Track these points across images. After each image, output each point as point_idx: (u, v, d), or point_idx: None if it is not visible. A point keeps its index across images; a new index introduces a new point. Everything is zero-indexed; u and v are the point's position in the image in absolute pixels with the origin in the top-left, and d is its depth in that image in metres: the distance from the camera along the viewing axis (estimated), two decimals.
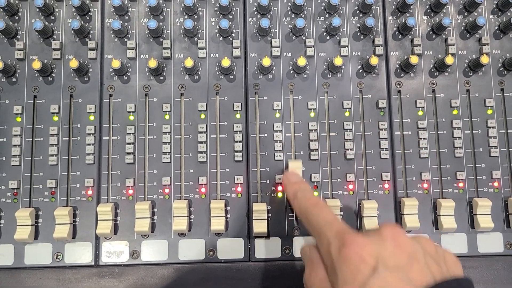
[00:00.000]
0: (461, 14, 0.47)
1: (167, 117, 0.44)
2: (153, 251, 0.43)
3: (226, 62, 0.44)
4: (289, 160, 0.43)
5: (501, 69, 0.46)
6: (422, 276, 0.29)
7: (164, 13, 0.46)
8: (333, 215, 0.34)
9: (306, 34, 0.46)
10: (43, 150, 0.43)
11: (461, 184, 0.44)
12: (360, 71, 0.46)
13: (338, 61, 0.44)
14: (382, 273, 0.29)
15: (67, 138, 0.44)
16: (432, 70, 0.46)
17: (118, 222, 0.43)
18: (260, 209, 0.42)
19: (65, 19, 0.45)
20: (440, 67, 0.45)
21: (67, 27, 0.45)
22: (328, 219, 0.33)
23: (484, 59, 0.44)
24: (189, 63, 0.43)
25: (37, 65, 0.43)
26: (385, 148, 0.44)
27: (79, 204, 0.43)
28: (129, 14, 0.46)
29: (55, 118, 0.44)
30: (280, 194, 0.44)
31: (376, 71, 0.46)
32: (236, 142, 0.44)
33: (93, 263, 0.43)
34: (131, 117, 0.44)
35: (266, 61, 0.44)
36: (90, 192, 0.43)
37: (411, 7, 0.47)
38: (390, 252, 0.30)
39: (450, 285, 0.28)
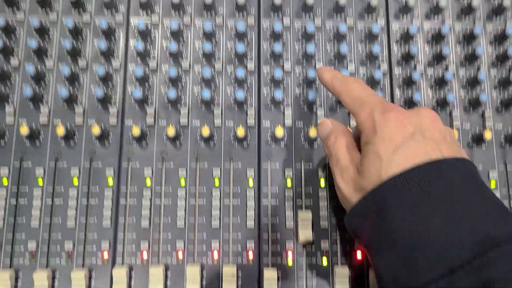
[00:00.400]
0: (465, 88, 0.50)
1: (182, 182, 0.46)
2: None
3: (240, 132, 0.46)
4: (299, 211, 0.45)
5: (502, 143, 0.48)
6: (450, 152, 0.33)
7: (183, 82, 0.48)
8: (373, 91, 0.38)
9: (317, 105, 0.48)
10: (62, 212, 0.45)
11: None
12: None
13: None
14: (419, 139, 0.33)
15: (86, 201, 0.45)
16: None
17: (132, 285, 0.44)
18: (271, 277, 0.43)
19: (89, 85, 0.48)
20: None
21: (90, 94, 0.47)
22: (372, 92, 0.38)
23: (487, 135, 0.46)
24: (205, 131, 0.45)
25: (61, 131, 0.45)
26: None
27: (95, 267, 0.44)
28: (150, 82, 0.48)
29: (75, 182, 0.46)
30: (290, 262, 0.45)
31: None
32: (249, 208, 0.46)
33: None
34: (148, 182, 0.46)
35: (279, 131, 0.46)
36: (105, 255, 0.44)
37: (416, 83, 0.49)
38: (427, 126, 0.34)
39: (468, 162, 0.34)
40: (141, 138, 0.47)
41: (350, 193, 0.36)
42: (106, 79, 0.47)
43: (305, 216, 0.44)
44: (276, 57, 0.49)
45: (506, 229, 0.30)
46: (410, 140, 0.33)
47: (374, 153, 0.34)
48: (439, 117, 0.36)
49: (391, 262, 0.32)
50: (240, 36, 0.49)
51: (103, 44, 0.46)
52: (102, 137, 0.46)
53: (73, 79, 0.47)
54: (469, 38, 0.50)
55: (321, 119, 0.41)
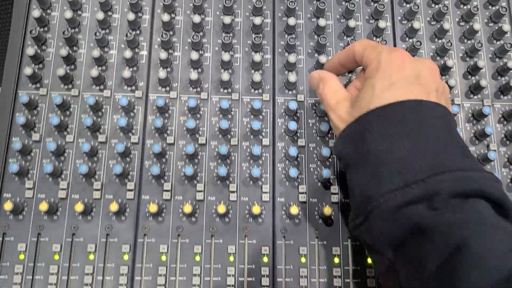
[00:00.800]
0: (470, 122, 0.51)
1: (197, 258, 0.46)
2: None
3: (256, 209, 0.46)
4: None
5: None
6: (439, 100, 0.39)
7: (199, 158, 0.49)
8: None
9: (331, 182, 0.49)
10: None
11: None
12: None
13: None
14: (413, 82, 0.39)
15: (101, 277, 0.45)
16: None
17: None
18: None
19: (107, 160, 0.49)
20: None
21: (108, 168, 0.48)
22: (379, 44, 0.43)
23: None
24: (221, 209, 0.46)
25: (79, 207, 0.46)
26: None
27: None
28: (167, 157, 0.49)
29: (91, 257, 0.46)
30: None
31: None
32: (263, 286, 0.46)
33: None
34: (163, 258, 0.46)
35: (294, 210, 0.47)
36: None
37: None
38: (424, 74, 0.40)
39: (449, 113, 0.40)
40: (158, 214, 0.47)
41: (343, 125, 0.41)
42: (124, 154, 0.48)
43: None
44: (291, 132, 0.50)
45: (462, 163, 0.36)
46: (405, 82, 0.38)
47: (371, 86, 0.39)
48: (438, 71, 0.42)
49: (362, 176, 0.38)
50: (256, 112, 0.50)
51: (123, 121, 0.48)
52: (119, 212, 0.47)
53: (92, 155, 0.48)
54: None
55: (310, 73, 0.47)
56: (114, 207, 0.46)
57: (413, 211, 0.34)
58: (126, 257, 0.46)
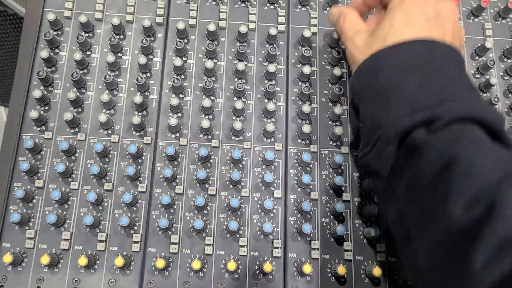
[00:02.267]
0: None
1: None
2: None
3: (267, 267, 0.45)
4: None
5: None
6: (454, 41, 0.42)
7: (209, 209, 0.48)
8: None
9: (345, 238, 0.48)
10: None
11: None
12: None
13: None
14: (431, 22, 0.41)
15: None
16: None
17: None
18: None
19: (113, 210, 0.47)
20: None
21: (114, 219, 0.47)
22: None
23: None
24: (231, 266, 0.44)
25: (83, 261, 0.44)
26: None
27: None
28: (175, 207, 0.47)
29: None
30: None
31: None
32: None
33: None
34: None
35: (307, 268, 0.45)
36: None
37: None
38: (444, 15, 0.42)
39: (461, 56, 0.41)
40: (164, 268, 0.45)
41: (362, 55, 0.42)
42: (131, 204, 0.46)
43: None
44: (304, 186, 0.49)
45: (468, 97, 0.38)
46: (424, 19, 0.40)
47: (391, 19, 0.41)
48: (458, 15, 0.44)
49: (373, 107, 0.40)
50: (268, 163, 0.49)
51: (130, 170, 0.46)
52: (124, 266, 0.45)
53: (97, 203, 0.47)
54: None
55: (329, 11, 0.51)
56: (119, 261, 0.44)
57: (415, 136, 0.36)
58: None
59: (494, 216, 0.29)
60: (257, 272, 0.46)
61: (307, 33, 0.52)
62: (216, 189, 0.48)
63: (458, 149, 0.34)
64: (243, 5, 0.54)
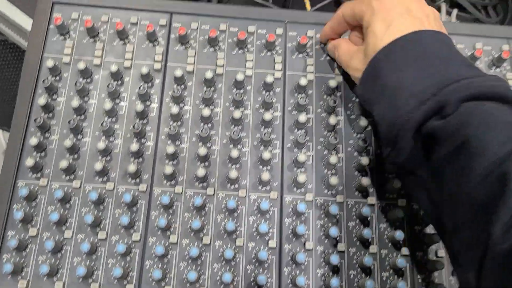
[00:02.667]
0: None
1: None
2: None
3: None
4: None
5: None
6: (431, 27, 0.43)
7: (203, 259, 0.47)
8: None
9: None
10: None
11: None
12: None
13: None
14: (406, 17, 0.43)
15: None
16: None
17: None
18: None
19: (107, 259, 0.47)
20: None
21: (107, 269, 0.46)
22: None
23: None
24: None
25: None
26: None
27: None
28: (169, 257, 0.47)
29: None
30: None
31: None
32: None
33: None
34: None
35: None
36: None
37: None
38: (414, 7, 0.45)
39: (446, 35, 0.44)
40: None
41: (360, 74, 0.46)
42: (125, 254, 0.46)
43: None
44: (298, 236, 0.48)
45: (467, 73, 0.39)
46: (399, 18, 0.43)
47: (372, 32, 0.44)
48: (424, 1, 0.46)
49: (383, 109, 0.42)
50: (263, 212, 0.49)
51: (125, 219, 0.46)
52: None
53: (91, 253, 0.46)
54: None
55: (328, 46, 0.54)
56: None
57: (429, 125, 0.38)
58: None
59: (506, 189, 0.31)
60: None
61: (303, 81, 0.52)
62: (211, 238, 0.48)
63: (468, 130, 0.35)
64: (240, 51, 0.55)
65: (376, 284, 0.47)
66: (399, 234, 0.47)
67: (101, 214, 0.48)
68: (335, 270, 0.48)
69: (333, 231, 0.47)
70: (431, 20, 0.45)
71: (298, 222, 0.49)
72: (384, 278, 0.48)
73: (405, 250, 0.49)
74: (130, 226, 0.47)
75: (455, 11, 0.81)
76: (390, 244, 0.49)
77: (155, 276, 0.45)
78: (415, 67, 0.41)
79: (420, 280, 0.48)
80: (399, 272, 0.48)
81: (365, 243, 0.49)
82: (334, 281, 0.46)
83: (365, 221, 0.50)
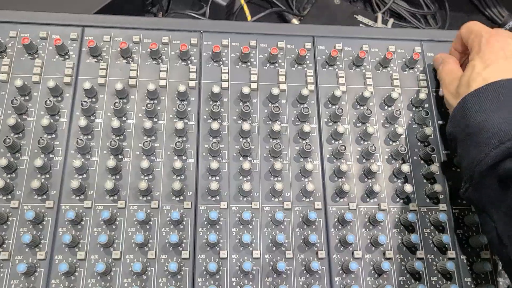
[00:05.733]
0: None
1: None
2: None
3: None
4: None
5: None
6: None
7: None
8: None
9: None
10: None
11: None
12: None
13: None
14: (507, 61, 0.46)
15: None
16: None
17: None
18: None
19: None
20: None
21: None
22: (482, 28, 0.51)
23: None
24: None
25: None
26: None
27: None
28: (182, 273, 0.46)
29: None
30: None
31: None
32: None
33: None
34: None
35: None
36: None
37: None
38: None
39: None
40: None
41: (454, 101, 0.48)
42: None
43: None
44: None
45: None
46: (500, 61, 0.46)
47: (471, 66, 0.48)
48: None
49: (466, 147, 0.45)
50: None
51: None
52: None
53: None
54: None
55: (435, 56, 0.58)
56: None
57: (506, 165, 0.40)
58: None
59: None
60: None
61: (215, 90, 0.53)
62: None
63: None
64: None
65: None
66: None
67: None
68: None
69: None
70: None
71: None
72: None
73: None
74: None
75: (391, 21, 0.88)
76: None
77: None
78: (501, 111, 0.43)
79: None
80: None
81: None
82: None
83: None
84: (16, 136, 0.49)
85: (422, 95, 0.56)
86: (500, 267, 0.51)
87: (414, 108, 0.57)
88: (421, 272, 0.49)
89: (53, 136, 0.50)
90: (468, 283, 0.49)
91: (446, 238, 0.49)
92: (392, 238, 0.50)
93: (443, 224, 0.51)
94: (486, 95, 0.44)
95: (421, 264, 0.48)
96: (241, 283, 0.46)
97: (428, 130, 0.54)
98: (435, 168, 0.52)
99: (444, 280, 0.49)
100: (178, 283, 0.46)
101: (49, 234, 0.46)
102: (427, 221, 0.51)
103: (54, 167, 0.49)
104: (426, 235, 0.51)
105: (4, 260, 0.45)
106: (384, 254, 0.49)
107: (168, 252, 0.47)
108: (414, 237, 0.49)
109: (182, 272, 0.47)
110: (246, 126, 0.51)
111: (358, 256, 0.49)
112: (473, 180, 0.43)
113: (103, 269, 0.44)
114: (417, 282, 0.49)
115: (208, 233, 0.47)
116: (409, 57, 0.58)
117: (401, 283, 0.49)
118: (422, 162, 0.54)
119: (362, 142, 0.54)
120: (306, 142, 0.53)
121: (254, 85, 0.55)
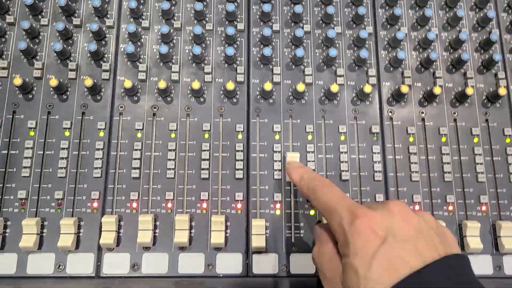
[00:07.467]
0: (447, 50, 0.51)
1: (172, 135, 0.47)
2: (153, 264, 0.44)
3: (230, 86, 0.47)
4: (287, 152, 0.46)
5: (485, 101, 0.50)
6: (428, 249, 0.31)
7: (174, 41, 0.50)
8: (341, 192, 0.36)
9: (305, 64, 0.50)
10: (53, 163, 0.45)
11: (450, 208, 0.47)
12: (354, 99, 0.49)
13: (334, 88, 0.47)
14: (391, 243, 0.31)
15: (77, 152, 0.46)
16: (422, 100, 0.50)
17: (121, 234, 0.44)
18: (259, 224, 0.44)
19: (83, 43, 0.49)
20: (429, 97, 0.49)
21: (83, 50, 0.49)
22: (339, 196, 0.36)
23: (469, 91, 0.48)
24: (196, 85, 0.47)
25: (53, 82, 0.46)
26: (379, 171, 0.47)
27: (85, 215, 0.44)
28: (142, 40, 0.49)
29: (67, 133, 0.46)
30: (278, 212, 0.46)
31: (370, 99, 0.49)
32: (238, 160, 0.46)
33: (94, 274, 0.43)
34: (139, 135, 0.47)
35: (268, 86, 0.47)
36: (95, 205, 0.45)
37: (402, 42, 0.51)
38: (399, 225, 0.32)
39: (451, 260, 0.31)
40: (132, 92, 0.47)
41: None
42: (99, 35, 0.48)
43: (294, 155, 0.46)
44: (266, 17, 0.50)
45: None
46: (382, 247, 0.31)
47: (351, 267, 0.31)
48: (409, 208, 0.34)
49: None
50: None
51: (97, 1, 0.48)
52: (94, 90, 0.47)
53: (66, 37, 0.48)
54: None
55: (315, 226, 0.39)
56: (88, 82, 0.46)
57: None
58: (101, 133, 0.47)
59: None
60: (221, 96, 0.48)
61: None
62: (181, 24, 0.50)
63: None
64: None
65: None
66: None
67: (75, 3, 0.50)
68: (299, 45, 0.50)
69: (299, 9, 0.49)
70: (426, 237, 0.32)
71: (265, 4, 0.50)
72: None
73: None
74: (103, 12, 0.50)
75: None
76: None
77: (128, 50, 0.47)
78: None
79: None
80: None
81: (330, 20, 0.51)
82: (299, 51, 0.48)
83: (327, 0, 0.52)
84: None
85: None
86: None
87: None
88: None
89: None
90: None
91: None
92: None
93: None
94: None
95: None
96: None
97: None
98: None
99: None
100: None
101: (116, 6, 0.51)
102: None
103: None
104: None
105: (76, 25, 0.50)
106: None
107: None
108: None
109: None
110: None
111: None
112: None
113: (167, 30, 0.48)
114: None
115: None
116: None
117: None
118: None
119: None
120: None
121: None
